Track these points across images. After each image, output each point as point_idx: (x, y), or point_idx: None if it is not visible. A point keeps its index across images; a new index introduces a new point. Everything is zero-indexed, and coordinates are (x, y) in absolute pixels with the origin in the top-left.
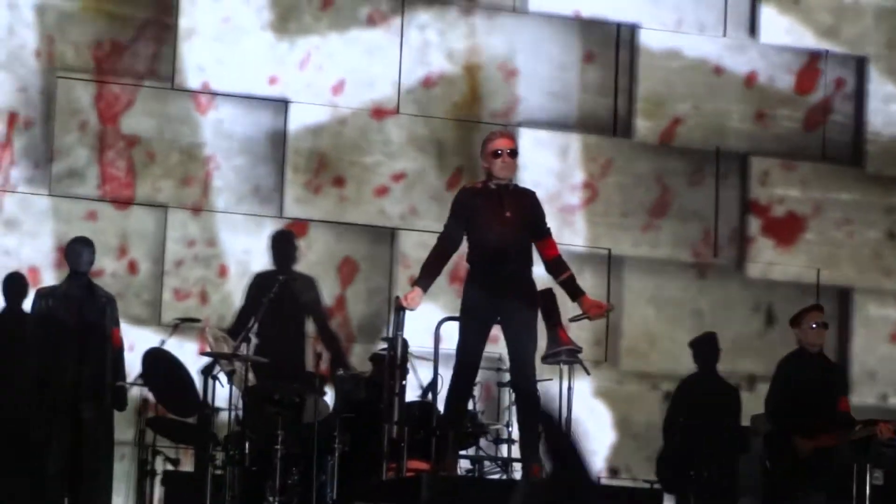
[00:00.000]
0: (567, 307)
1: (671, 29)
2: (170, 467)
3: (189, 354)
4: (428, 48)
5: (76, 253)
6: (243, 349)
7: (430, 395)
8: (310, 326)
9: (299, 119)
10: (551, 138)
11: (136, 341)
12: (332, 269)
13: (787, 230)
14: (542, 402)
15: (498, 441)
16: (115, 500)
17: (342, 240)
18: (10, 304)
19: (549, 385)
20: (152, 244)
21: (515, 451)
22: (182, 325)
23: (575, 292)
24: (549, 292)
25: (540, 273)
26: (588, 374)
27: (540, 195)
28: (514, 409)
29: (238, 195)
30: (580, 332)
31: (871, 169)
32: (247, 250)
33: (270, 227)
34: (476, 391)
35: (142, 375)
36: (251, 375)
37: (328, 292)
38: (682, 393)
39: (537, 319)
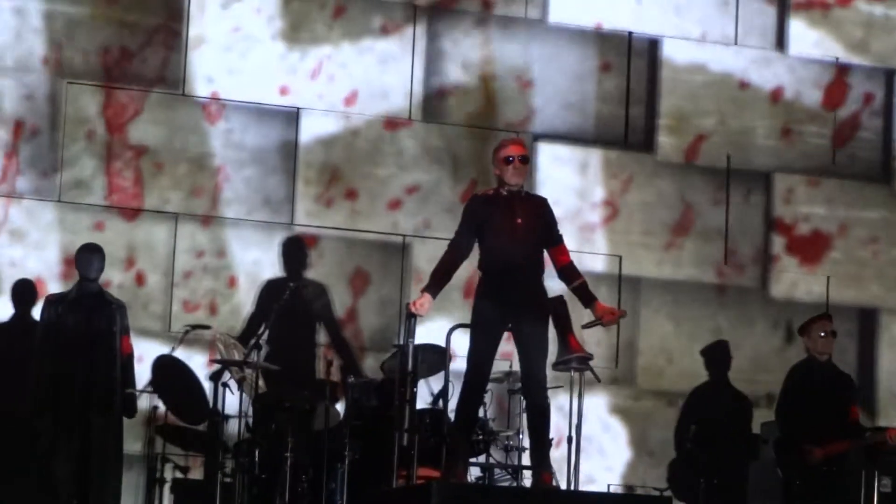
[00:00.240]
0: (579, 314)
1: (695, 40)
2: (179, 475)
3: (198, 366)
4: (442, 58)
5: (86, 260)
6: (254, 356)
7: (440, 403)
8: (320, 334)
9: (311, 130)
10: (570, 153)
11: (145, 353)
12: (343, 280)
13: (811, 249)
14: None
15: (508, 449)
16: None
17: (354, 252)
18: (19, 311)
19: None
20: (160, 255)
21: (526, 459)
22: (192, 336)
23: (588, 299)
24: (560, 299)
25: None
26: (599, 381)
27: (558, 213)
28: (524, 416)
29: (248, 207)
30: (596, 349)
31: None
32: (257, 261)
33: (281, 238)
34: (487, 398)
35: (151, 383)
36: (261, 383)
37: (340, 304)
38: (694, 400)
39: (548, 327)
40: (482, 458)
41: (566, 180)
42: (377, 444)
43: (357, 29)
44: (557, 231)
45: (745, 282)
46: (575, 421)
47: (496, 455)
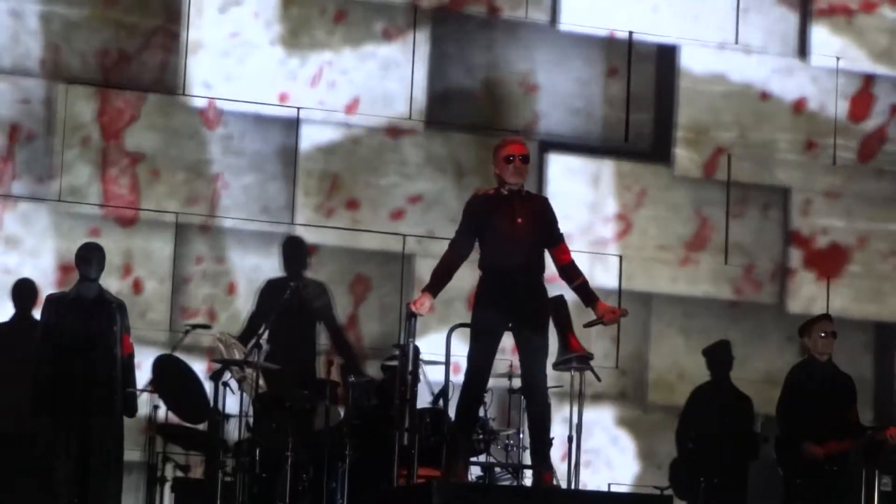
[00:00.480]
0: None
1: (714, 47)
2: (180, 474)
3: (199, 368)
4: (446, 63)
5: (86, 259)
6: (254, 356)
7: (441, 402)
8: (321, 333)
9: (311, 138)
10: (582, 165)
11: (143, 361)
12: (344, 286)
13: (830, 262)
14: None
15: (509, 448)
16: None
17: (355, 261)
18: (20, 311)
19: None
20: (158, 262)
21: (526, 459)
22: (192, 343)
23: (589, 298)
24: (560, 299)
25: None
26: (599, 380)
27: (569, 227)
28: (524, 416)
29: (247, 214)
30: (604, 361)
31: None
32: (256, 267)
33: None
34: (487, 398)
35: (152, 382)
36: (262, 382)
37: (340, 310)
38: (695, 400)
39: (549, 326)
40: (483, 458)
41: (577, 193)
42: (378, 443)
43: (358, 34)
44: (558, 230)
45: (763, 297)
46: (576, 420)
47: (497, 454)
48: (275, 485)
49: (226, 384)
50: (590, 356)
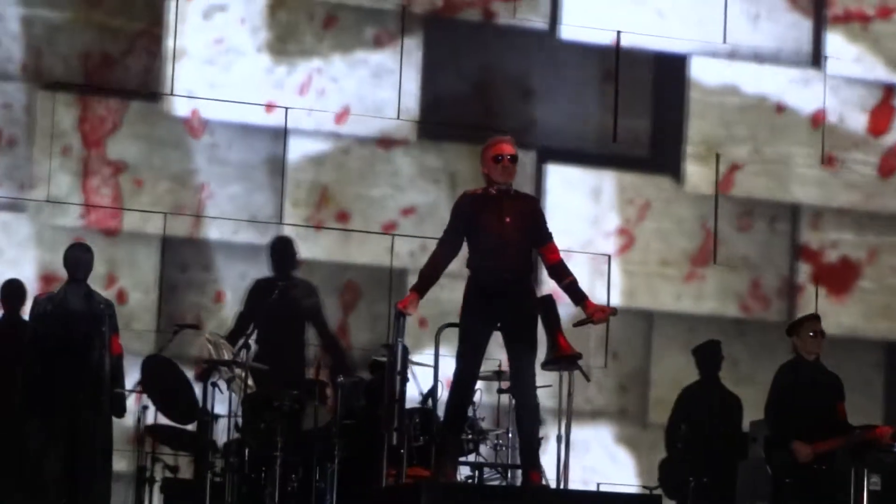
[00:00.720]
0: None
1: (724, 56)
2: (169, 474)
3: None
4: (440, 71)
5: (74, 259)
6: (242, 356)
7: (430, 402)
8: (310, 333)
9: (299, 149)
10: (582, 177)
11: (128, 368)
12: (333, 294)
13: (840, 278)
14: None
15: (498, 448)
16: None
17: (346, 273)
18: (8, 311)
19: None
20: (143, 272)
21: (516, 458)
22: (181, 351)
23: (578, 297)
24: (548, 298)
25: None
26: (588, 380)
27: (570, 242)
28: (513, 415)
29: (234, 226)
30: (604, 379)
31: None
32: (243, 275)
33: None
34: (476, 398)
35: (141, 382)
36: (251, 382)
37: (329, 319)
38: (684, 400)
39: (537, 326)
40: (472, 458)
41: (578, 206)
42: (367, 443)
43: (349, 40)
44: (547, 229)
45: (771, 315)
46: (564, 420)
47: (486, 454)
48: (264, 485)
49: (215, 384)
50: (578, 356)
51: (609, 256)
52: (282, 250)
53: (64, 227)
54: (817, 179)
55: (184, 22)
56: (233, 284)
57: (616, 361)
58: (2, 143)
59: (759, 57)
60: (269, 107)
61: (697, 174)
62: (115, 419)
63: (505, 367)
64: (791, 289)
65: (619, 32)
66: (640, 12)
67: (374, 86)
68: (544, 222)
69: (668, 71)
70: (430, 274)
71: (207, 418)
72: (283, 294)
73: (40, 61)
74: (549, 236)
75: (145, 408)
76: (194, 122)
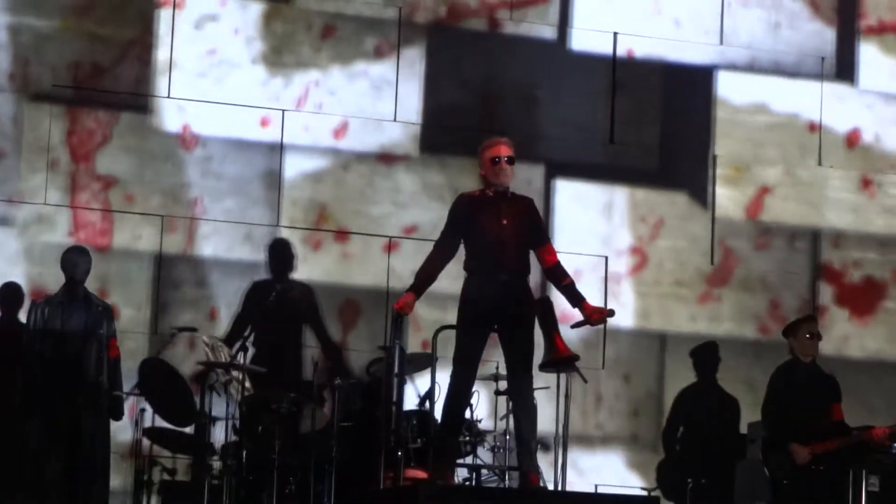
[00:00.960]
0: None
1: (743, 69)
2: (166, 477)
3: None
4: (444, 83)
5: (72, 262)
6: (240, 358)
7: (427, 404)
8: (307, 335)
9: (296, 165)
10: (592, 193)
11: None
12: (332, 311)
13: (863, 299)
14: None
15: (495, 450)
16: None
17: (346, 293)
18: (6, 314)
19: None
20: (135, 288)
21: (513, 460)
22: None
23: (575, 298)
24: (546, 300)
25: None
26: (585, 381)
27: (578, 264)
28: (511, 417)
29: (228, 242)
30: (616, 403)
31: None
32: (238, 291)
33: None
34: (473, 400)
35: (138, 385)
36: (248, 384)
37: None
38: (682, 402)
39: (534, 328)
40: (469, 460)
41: (588, 224)
42: (364, 445)
43: (348, 51)
44: (544, 231)
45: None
46: (562, 421)
47: (483, 456)
48: (262, 487)
49: (212, 387)
50: (575, 357)
51: (606, 258)
52: (279, 252)
53: (52, 243)
54: (853, 204)
55: (175, 32)
56: (228, 301)
57: (628, 385)
58: None
59: (780, 68)
60: (265, 125)
61: (727, 198)
62: (112, 422)
63: (502, 368)
64: (812, 310)
65: (615, 34)
66: (656, 21)
67: (375, 98)
68: (541, 223)
69: (684, 82)
70: (427, 275)
71: (205, 421)
72: (281, 296)
73: (27, 71)
74: (546, 238)
75: (143, 410)
76: (186, 136)
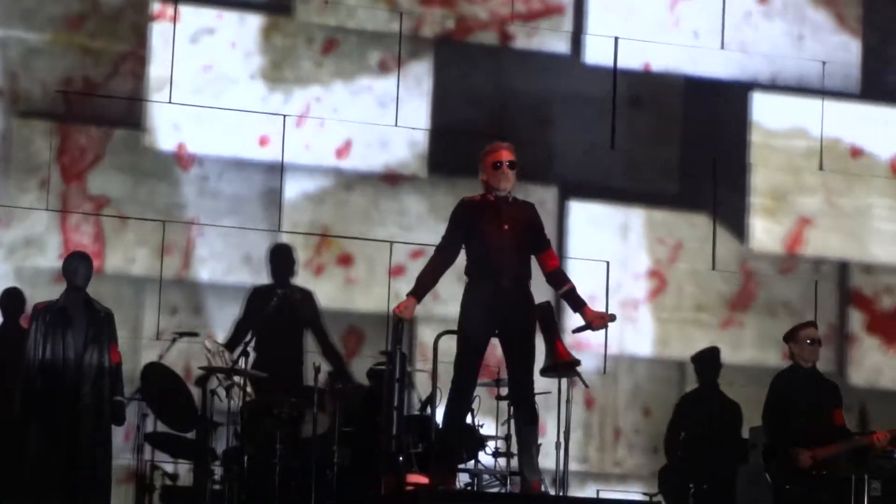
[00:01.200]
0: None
1: (778, 87)
2: (168, 482)
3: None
4: (452, 99)
5: (73, 267)
6: (241, 363)
7: (428, 409)
8: (308, 340)
9: (297, 185)
10: (608, 214)
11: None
12: (336, 338)
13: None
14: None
15: (497, 455)
16: None
17: (350, 321)
18: (7, 320)
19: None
20: (127, 312)
21: (514, 465)
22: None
23: (576, 304)
24: (547, 305)
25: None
26: (586, 386)
27: (594, 287)
28: (512, 423)
29: (226, 265)
30: (635, 439)
31: None
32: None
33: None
34: (475, 405)
35: (140, 390)
36: (250, 389)
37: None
38: (684, 407)
39: (536, 333)
40: (471, 465)
41: (603, 247)
42: (365, 450)
43: (351, 66)
44: (545, 236)
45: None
46: (563, 427)
47: (484, 461)
48: (263, 492)
49: (214, 392)
50: (577, 363)
51: (608, 263)
52: (281, 257)
53: (42, 267)
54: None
55: (168, 47)
56: (225, 327)
57: (648, 419)
58: None
59: (804, 82)
60: (263, 144)
61: (765, 230)
62: (114, 427)
63: (503, 373)
64: (841, 338)
65: (616, 38)
66: (674, 32)
67: (379, 116)
68: (542, 229)
69: (706, 98)
70: (428, 280)
71: (207, 426)
72: (282, 301)
73: (16, 86)
74: (547, 243)
75: (145, 415)
76: (182, 153)
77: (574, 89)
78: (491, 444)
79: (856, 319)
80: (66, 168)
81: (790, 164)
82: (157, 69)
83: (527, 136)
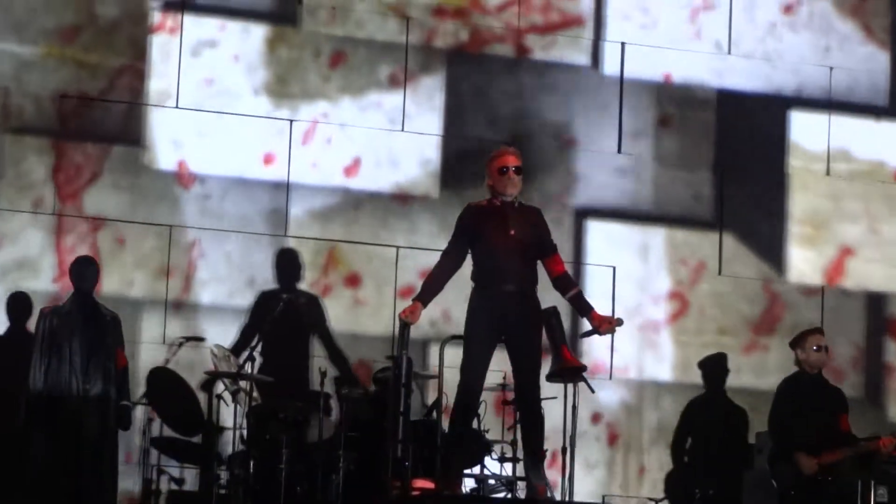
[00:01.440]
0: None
1: (790, 94)
2: (174, 487)
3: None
4: (466, 115)
5: (80, 271)
6: (247, 368)
7: (434, 414)
8: (314, 345)
9: (303, 203)
10: (627, 233)
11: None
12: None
13: None
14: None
15: (503, 460)
16: None
17: (358, 344)
18: (14, 324)
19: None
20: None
21: (520, 471)
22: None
23: (583, 308)
24: (553, 310)
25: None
26: (593, 391)
27: (609, 309)
28: (518, 428)
29: (229, 289)
30: (651, 463)
31: None
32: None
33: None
34: (481, 410)
35: (146, 394)
36: (255, 394)
37: None
38: (690, 413)
39: (542, 338)
40: (476, 470)
41: (622, 267)
42: (371, 455)
43: (360, 80)
44: (551, 241)
45: (846, 390)
46: (569, 432)
47: (490, 466)
48: (269, 497)
49: (220, 397)
50: (583, 367)
51: (614, 268)
52: (287, 262)
53: (34, 290)
54: None
55: (168, 60)
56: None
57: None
58: None
59: (831, 96)
60: (268, 163)
61: (804, 260)
62: (120, 432)
63: (510, 378)
64: (877, 367)
65: (623, 44)
66: (696, 45)
67: (389, 133)
68: (548, 233)
69: (733, 113)
70: (434, 285)
71: (213, 430)
72: (288, 306)
73: (8, 102)
74: (553, 248)
75: (151, 420)
76: (183, 171)
77: (594, 102)
78: (497, 449)
79: (891, 349)
80: (62, 186)
81: (830, 190)
82: (156, 83)
83: (544, 149)
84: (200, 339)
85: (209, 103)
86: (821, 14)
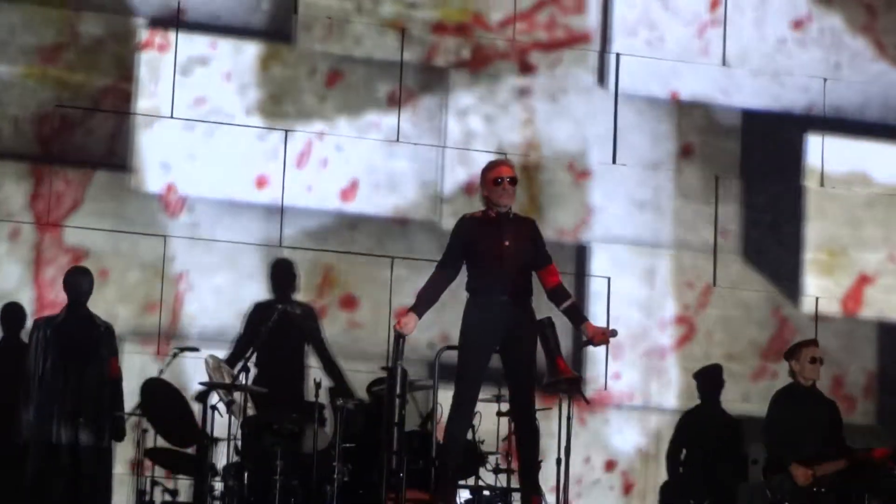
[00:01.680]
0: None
1: (796, 113)
2: (168, 498)
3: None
4: (470, 137)
5: (74, 282)
6: (242, 379)
7: (429, 425)
8: (309, 356)
9: (297, 224)
10: (633, 256)
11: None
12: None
13: None
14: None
15: (497, 471)
16: None
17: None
18: (8, 334)
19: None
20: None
21: (515, 482)
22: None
23: (578, 319)
24: (548, 321)
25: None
26: (587, 402)
27: (621, 334)
28: (513, 439)
29: (218, 325)
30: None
31: None
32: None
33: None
34: (475, 421)
35: (140, 405)
36: (250, 405)
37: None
38: (685, 424)
39: (536, 349)
40: (471, 481)
41: (628, 291)
42: (366, 466)
43: (357, 100)
44: (546, 252)
45: (857, 418)
46: (563, 443)
47: (485, 477)
48: None
49: (214, 407)
50: (578, 378)
51: (609, 279)
52: (282, 272)
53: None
54: None
55: (157, 79)
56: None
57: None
58: None
59: (841, 114)
60: (261, 186)
61: (820, 288)
62: (114, 443)
63: (504, 389)
64: (890, 394)
65: (618, 55)
66: (703, 61)
67: (388, 155)
68: (543, 245)
69: (748, 132)
70: (429, 296)
71: (207, 441)
72: (283, 317)
73: None
74: (548, 259)
75: (145, 431)
76: (170, 198)
77: (599, 118)
78: (491, 460)
79: None
80: (41, 215)
81: (848, 215)
82: (144, 103)
83: (558, 187)
84: (195, 350)
85: (200, 124)
86: (831, 30)
